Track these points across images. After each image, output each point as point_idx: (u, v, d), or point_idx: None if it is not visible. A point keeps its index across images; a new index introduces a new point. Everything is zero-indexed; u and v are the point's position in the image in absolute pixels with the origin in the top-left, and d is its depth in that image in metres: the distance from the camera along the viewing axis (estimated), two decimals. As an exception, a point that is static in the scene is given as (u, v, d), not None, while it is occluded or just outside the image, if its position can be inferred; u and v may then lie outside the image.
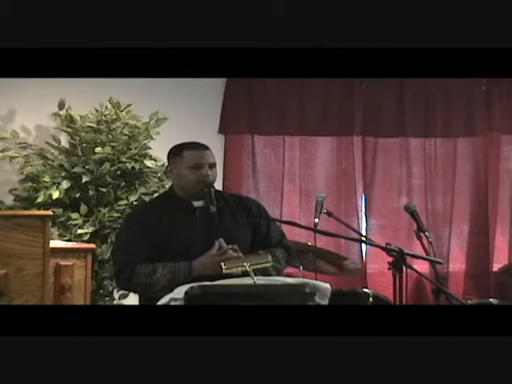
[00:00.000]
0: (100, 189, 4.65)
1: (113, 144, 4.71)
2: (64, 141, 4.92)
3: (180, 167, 3.49)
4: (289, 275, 3.70)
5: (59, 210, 4.58)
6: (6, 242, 3.27)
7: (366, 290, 4.46)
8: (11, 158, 4.82)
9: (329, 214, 4.39)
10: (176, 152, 3.54)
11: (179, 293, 2.99)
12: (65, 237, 4.54)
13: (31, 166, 4.75)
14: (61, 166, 4.71)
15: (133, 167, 4.68)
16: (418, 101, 5.70)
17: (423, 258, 3.66)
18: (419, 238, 3.86)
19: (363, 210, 5.70)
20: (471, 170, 5.80)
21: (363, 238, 4.97)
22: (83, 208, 4.63)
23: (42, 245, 3.32)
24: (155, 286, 3.31)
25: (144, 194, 4.68)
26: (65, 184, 4.62)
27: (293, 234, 4.62)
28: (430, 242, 3.88)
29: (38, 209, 4.53)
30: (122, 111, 4.79)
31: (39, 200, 4.57)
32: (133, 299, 4.35)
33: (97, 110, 4.85)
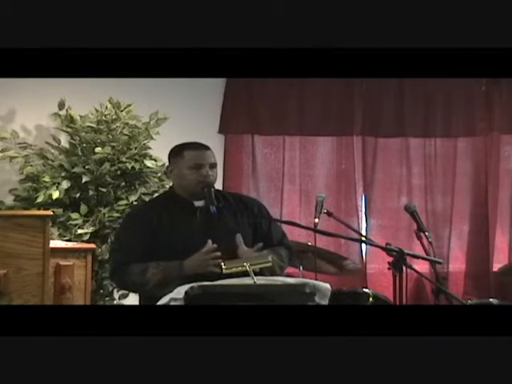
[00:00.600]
0: (100, 189, 4.65)
1: (113, 144, 4.71)
2: (64, 141, 4.92)
3: (181, 167, 3.49)
4: (289, 275, 3.69)
5: (59, 210, 4.58)
6: (6, 242, 3.27)
7: (366, 290, 4.45)
8: (11, 157, 4.82)
9: (329, 214, 4.39)
10: (177, 152, 3.54)
11: (179, 293, 2.99)
12: (65, 237, 4.54)
13: (31, 165, 4.74)
14: (61, 166, 4.71)
15: (133, 167, 4.68)
16: (418, 101, 5.70)
17: (423, 258, 3.66)
18: (419, 238, 3.86)
19: (363, 210, 5.70)
20: (471, 170, 5.80)
21: (363, 238, 4.97)
22: (83, 208, 4.64)
23: (42, 245, 3.32)
24: (146, 284, 3.32)
25: (144, 194, 4.68)
26: (65, 184, 4.62)
27: (293, 234, 4.62)
28: (430, 242, 3.88)
29: (38, 209, 4.53)
30: (122, 111, 4.79)
31: (39, 200, 4.57)
32: (133, 299, 4.35)
33: (97, 110, 4.85)
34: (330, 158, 5.70)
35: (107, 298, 4.74)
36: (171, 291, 3.06)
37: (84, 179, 4.62)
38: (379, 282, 5.45)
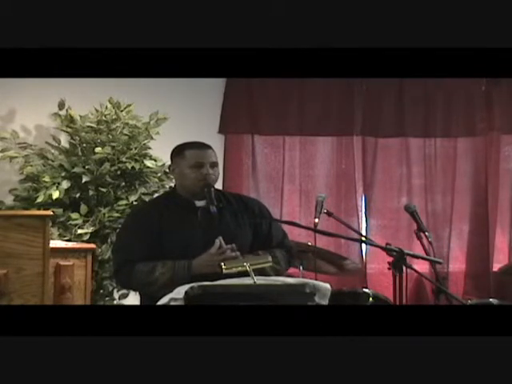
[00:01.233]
0: (100, 189, 4.65)
1: (113, 144, 4.71)
2: (64, 141, 4.92)
3: (182, 166, 3.49)
4: (289, 275, 3.69)
5: (59, 210, 4.58)
6: (6, 242, 3.27)
7: (366, 290, 4.46)
8: (11, 157, 4.82)
9: (329, 214, 4.38)
10: (178, 151, 3.54)
11: (179, 293, 2.99)
12: (65, 237, 4.54)
13: (31, 165, 4.74)
14: (61, 166, 4.71)
15: (133, 167, 4.68)
16: (417, 101, 5.71)
17: (423, 258, 3.66)
18: (419, 238, 3.86)
19: (363, 210, 5.71)
20: (471, 170, 5.81)
21: (363, 238, 4.97)
22: (83, 208, 4.64)
23: (41, 245, 3.32)
24: (154, 284, 3.31)
25: (144, 193, 4.68)
26: (65, 184, 4.62)
27: (293, 234, 4.61)
28: (430, 242, 3.88)
29: (38, 209, 4.53)
30: (122, 111, 4.79)
31: (39, 200, 4.57)
32: (133, 299, 4.35)
33: (97, 110, 4.85)
34: (330, 157, 5.70)
35: (107, 298, 4.73)
36: (171, 291, 3.07)
37: (84, 179, 4.62)
38: (379, 282, 5.45)
